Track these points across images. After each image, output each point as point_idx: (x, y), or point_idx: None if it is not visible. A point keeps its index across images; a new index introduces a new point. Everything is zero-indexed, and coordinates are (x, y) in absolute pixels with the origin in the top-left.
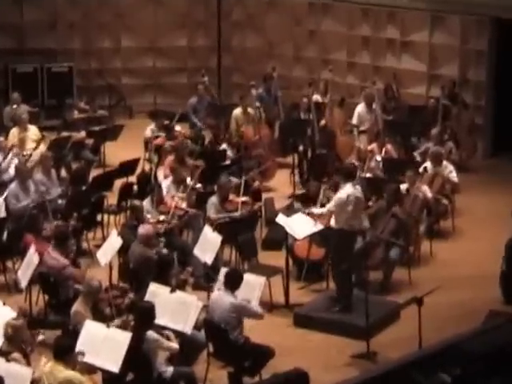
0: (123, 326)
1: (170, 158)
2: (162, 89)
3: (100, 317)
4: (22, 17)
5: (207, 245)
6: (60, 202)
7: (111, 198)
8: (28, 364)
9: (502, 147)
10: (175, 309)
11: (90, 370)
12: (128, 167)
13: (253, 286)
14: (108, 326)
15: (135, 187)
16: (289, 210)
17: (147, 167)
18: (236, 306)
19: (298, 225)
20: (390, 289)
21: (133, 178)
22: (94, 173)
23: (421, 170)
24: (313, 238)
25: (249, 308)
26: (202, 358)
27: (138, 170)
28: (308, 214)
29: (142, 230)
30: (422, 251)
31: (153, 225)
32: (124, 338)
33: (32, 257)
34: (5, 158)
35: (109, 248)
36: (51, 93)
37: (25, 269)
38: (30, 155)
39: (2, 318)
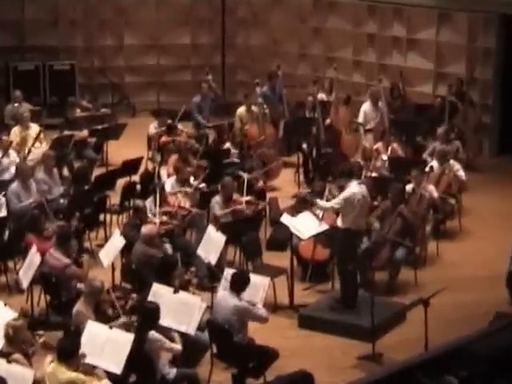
0: (126, 327)
1: (174, 157)
2: (166, 87)
3: (102, 318)
4: (23, 14)
5: (211, 245)
6: (62, 201)
7: (114, 198)
8: (29, 365)
9: (509, 146)
10: (178, 309)
11: (92, 371)
12: (131, 166)
13: (257, 287)
14: (111, 327)
15: (138, 186)
16: (295, 208)
17: (150, 166)
18: (239, 309)
19: (303, 225)
20: (395, 290)
21: (136, 177)
22: (97, 172)
23: (427, 169)
24: (318, 238)
25: (253, 311)
26: (205, 360)
27: (141, 169)
28: (311, 204)
29: (145, 229)
30: (429, 251)
31: (155, 225)
32: (127, 339)
33: (33, 257)
34: (3, 156)
35: (111, 248)
36: (53, 91)
37: (26, 269)
38: (29, 151)
39: (3, 319)
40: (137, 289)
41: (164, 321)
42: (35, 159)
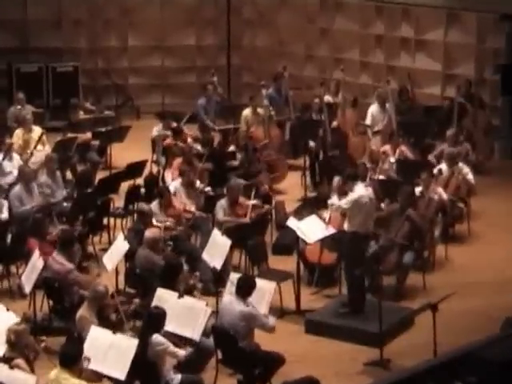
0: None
1: (178, 160)
2: (170, 89)
3: (106, 323)
4: (25, 15)
5: (216, 249)
6: (65, 204)
7: (118, 201)
8: (32, 370)
9: None
10: (183, 314)
11: (95, 377)
12: (135, 169)
13: (263, 292)
14: (114, 333)
15: (142, 190)
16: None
17: (155, 169)
18: (245, 315)
19: (310, 228)
20: (403, 294)
21: (140, 181)
22: (100, 175)
23: (435, 171)
24: (324, 242)
25: (259, 318)
26: (210, 366)
27: (146, 172)
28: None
29: (149, 233)
30: (437, 256)
31: (160, 230)
32: (130, 344)
33: (36, 261)
34: (4, 158)
35: (115, 252)
36: (56, 93)
37: (29, 273)
38: (32, 154)
39: (5, 324)
40: (141, 294)
41: (168, 326)
42: (38, 162)
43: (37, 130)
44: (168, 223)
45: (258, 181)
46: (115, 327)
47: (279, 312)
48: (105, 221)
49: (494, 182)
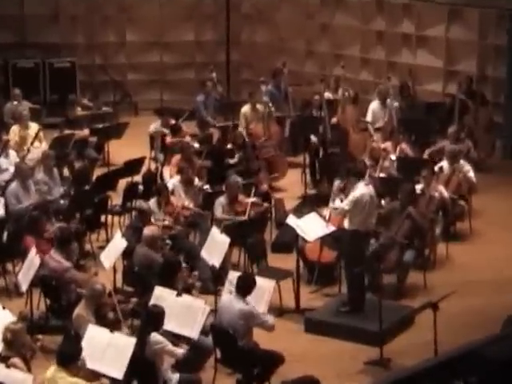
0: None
1: (177, 157)
2: (169, 85)
3: (104, 321)
4: (22, 10)
5: (215, 247)
6: (62, 202)
7: (115, 198)
8: (28, 369)
9: None
10: (181, 313)
11: (93, 376)
12: (133, 166)
13: (262, 290)
14: (112, 331)
15: (140, 187)
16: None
17: (153, 166)
18: (245, 313)
19: (309, 226)
20: (404, 293)
21: (138, 178)
22: (98, 172)
23: (436, 169)
24: (324, 240)
25: (259, 316)
26: (209, 365)
27: (144, 169)
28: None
29: (147, 231)
30: (438, 254)
31: (158, 228)
32: (128, 343)
33: (33, 259)
34: (0, 155)
35: (113, 250)
36: (53, 89)
37: (25, 272)
38: (29, 151)
39: (2, 323)
40: (139, 292)
41: (167, 325)
42: (35, 159)
43: (34, 127)
44: (166, 222)
45: (257, 179)
46: (113, 326)
47: (278, 311)
48: (102, 218)
49: (496, 180)
